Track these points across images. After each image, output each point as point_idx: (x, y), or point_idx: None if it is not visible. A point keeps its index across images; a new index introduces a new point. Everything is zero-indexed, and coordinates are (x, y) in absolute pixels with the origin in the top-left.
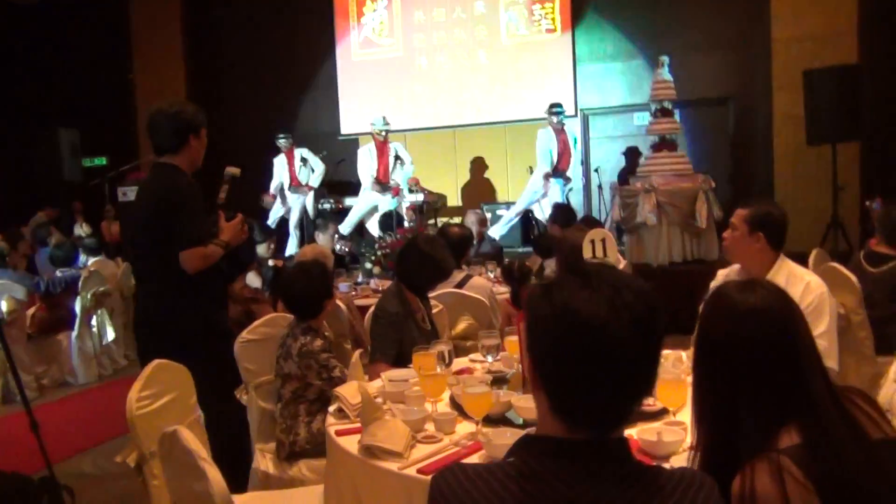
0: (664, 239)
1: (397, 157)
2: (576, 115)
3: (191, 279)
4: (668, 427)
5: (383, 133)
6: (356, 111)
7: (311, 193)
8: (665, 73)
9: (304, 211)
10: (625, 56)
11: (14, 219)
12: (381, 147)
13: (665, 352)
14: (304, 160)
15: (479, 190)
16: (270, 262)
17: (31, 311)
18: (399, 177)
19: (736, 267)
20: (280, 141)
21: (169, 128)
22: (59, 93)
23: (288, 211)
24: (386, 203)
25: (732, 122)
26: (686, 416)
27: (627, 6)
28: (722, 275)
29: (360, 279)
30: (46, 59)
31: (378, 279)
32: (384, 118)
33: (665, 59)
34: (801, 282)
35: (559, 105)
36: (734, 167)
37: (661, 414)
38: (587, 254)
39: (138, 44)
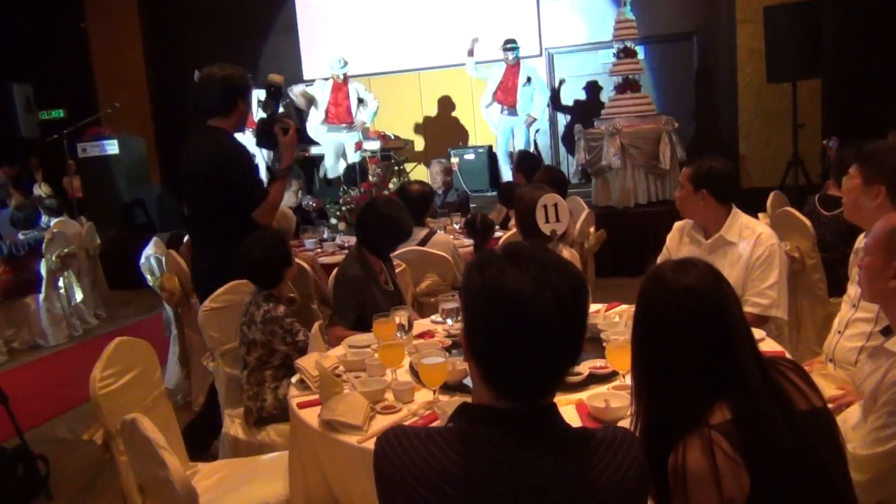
0: (629, 181)
1: (360, 100)
2: (540, 55)
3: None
4: (617, 392)
5: (341, 75)
6: (319, 55)
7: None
8: (627, 12)
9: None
10: None
11: None
12: (339, 87)
13: (620, 308)
14: (260, 102)
15: (447, 134)
16: None
17: None
18: (365, 117)
19: (690, 221)
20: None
21: (219, 91)
22: (9, 46)
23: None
24: (345, 143)
25: (696, 58)
26: None
27: None
28: (677, 228)
29: (325, 235)
30: None
31: (344, 235)
32: (342, 58)
33: None
34: (752, 234)
35: (513, 41)
36: (698, 104)
37: (611, 377)
38: (540, 219)
39: None
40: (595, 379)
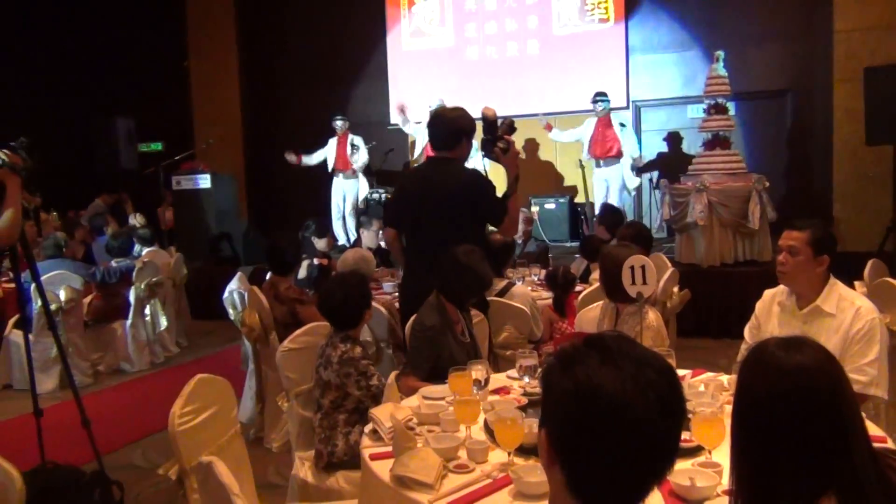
0: (715, 239)
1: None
2: (627, 107)
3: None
4: (702, 470)
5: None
6: (406, 101)
7: (362, 181)
8: (720, 69)
9: (356, 199)
10: (679, 46)
11: (72, 205)
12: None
13: (705, 376)
14: (354, 146)
15: (529, 182)
16: (315, 261)
17: (87, 299)
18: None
19: (783, 288)
20: (336, 122)
21: (448, 129)
22: (116, 81)
23: (342, 198)
24: None
25: (790, 116)
26: (722, 455)
27: None
28: (768, 295)
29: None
30: (104, 48)
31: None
32: (442, 101)
33: (721, 53)
34: (851, 307)
35: (603, 93)
36: (790, 163)
37: (696, 451)
38: (626, 280)
39: (193, 32)
40: (678, 452)
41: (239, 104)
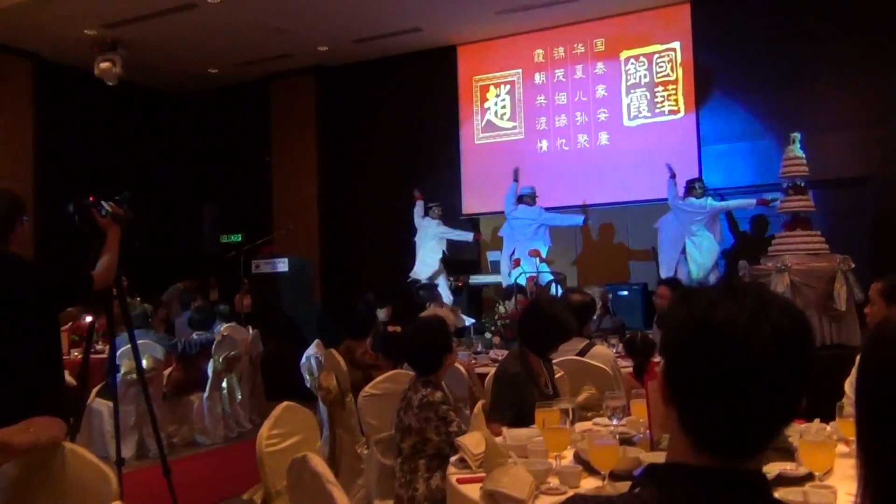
0: None
1: None
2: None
3: None
4: (815, 490)
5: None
6: (477, 192)
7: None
8: (797, 150)
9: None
10: (752, 136)
11: (152, 288)
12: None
13: (807, 425)
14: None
15: (599, 271)
16: (389, 329)
17: (167, 371)
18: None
19: None
20: (433, 209)
21: None
22: (202, 171)
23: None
24: None
25: (873, 203)
26: (834, 481)
27: (755, 85)
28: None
29: (479, 349)
30: (193, 143)
31: (497, 349)
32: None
33: (797, 135)
34: None
35: (699, 180)
36: (875, 251)
37: (805, 479)
38: None
39: (276, 129)
40: (787, 481)
41: (317, 197)
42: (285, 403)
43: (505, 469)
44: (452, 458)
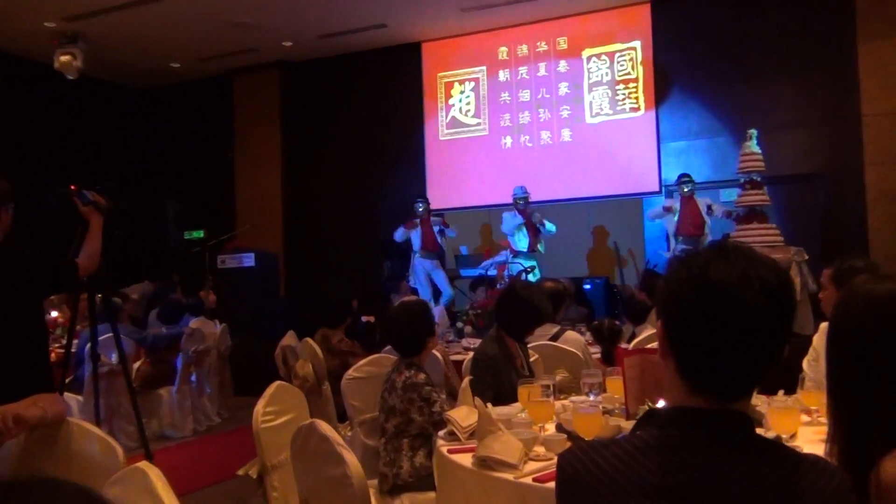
0: None
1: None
2: (660, 192)
3: None
4: None
5: (521, 202)
6: (443, 188)
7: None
8: (754, 146)
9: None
10: (710, 132)
11: (114, 283)
12: (523, 213)
13: (772, 397)
14: (440, 231)
15: (561, 266)
16: (363, 318)
17: (136, 364)
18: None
19: None
20: (419, 207)
21: None
22: (165, 169)
23: (414, 276)
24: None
25: (822, 200)
26: (798, 444)
27: (712, 84)
28: (822, 329)
29: (451, 338)
30: (155, 138)
31: (469, 338)
32: (524, 187)
33: (754, 132)
34: None
35: (687, 175)
36: (825, 245)
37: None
38: None
39: (240, 124)
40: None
41: (280, 192)
42: (277, 382)
43: (496, 436)
44: (441, 432)
